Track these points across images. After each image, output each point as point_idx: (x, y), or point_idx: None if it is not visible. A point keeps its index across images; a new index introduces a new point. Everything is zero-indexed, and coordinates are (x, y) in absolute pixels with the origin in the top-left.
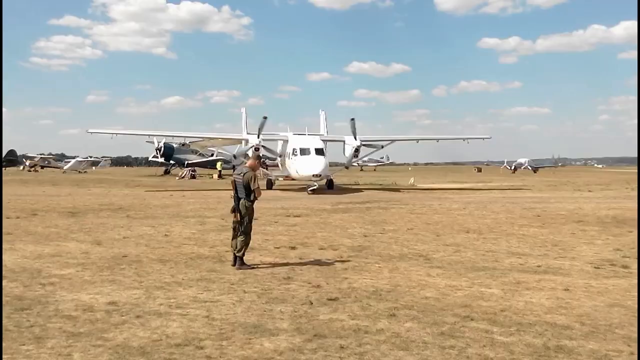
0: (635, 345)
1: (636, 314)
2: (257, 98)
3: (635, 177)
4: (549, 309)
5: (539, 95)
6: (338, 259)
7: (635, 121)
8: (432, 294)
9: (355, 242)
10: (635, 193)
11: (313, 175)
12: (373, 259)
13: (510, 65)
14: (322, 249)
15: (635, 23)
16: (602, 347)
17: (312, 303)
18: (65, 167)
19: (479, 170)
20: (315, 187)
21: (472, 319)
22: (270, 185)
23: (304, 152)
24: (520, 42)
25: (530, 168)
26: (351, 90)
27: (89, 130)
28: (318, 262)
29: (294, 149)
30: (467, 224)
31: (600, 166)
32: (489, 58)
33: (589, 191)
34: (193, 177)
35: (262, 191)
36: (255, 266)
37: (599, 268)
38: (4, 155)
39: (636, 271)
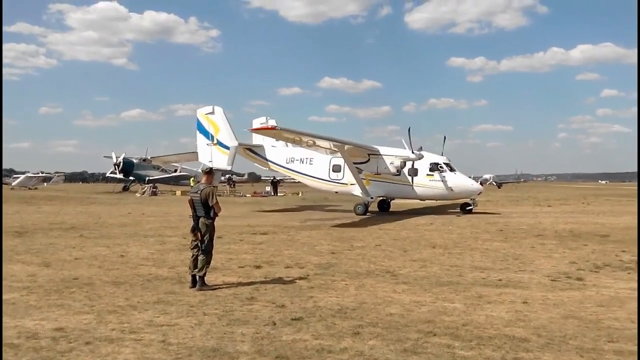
0: (588, 355)
1: (589, 325)
2: (227, 112)
3: (591, 192)
4: (508, 322)
5: (503, 114)
6: (304, 277)
7: (593, 139)
8: (397, 310)
9: (323, 259)
10: (591, 207)
11: (478, 192)
12: (340, 276)
13: (477, 84)
14: (288, 267)
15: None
16: (556, 358)
17: (275, 324)
18: (13, 183)
19: None
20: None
21: (435, 335)
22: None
23: (450, 168)
24: (485, 62)
25: (495, 183)
26: (322, 105)
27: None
28: (283, 281)
29: (437, 165)
30: (433, 239)
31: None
32: (456, 77)
33: (549, 206)
34: (154, 194)
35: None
36: (217, 287)
37: (555, 281)
38: None
39: (590, 283)
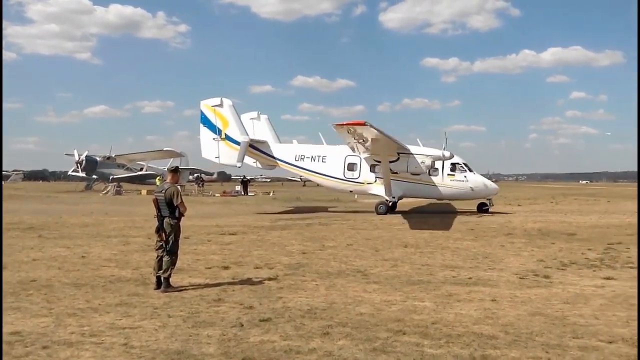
0: (553, 351)
1: (555, 322)
2: (194, 109)
3: (560, 191)
4: (477, 320)
5: (476, 114)
6: (274, 278)
7: (562, 140)
8: (367, 310)
9: (293, 259)
10: (559, 207)
11: (496, 192)
12: (310, 276)
13: (451, 85)
14: (257, 268)
15: (562, 50)
16: (523, 354)
17: (242, 325)
18: None
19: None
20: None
21: (404, 333)
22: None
23: (468, 168)
24: (459, 62)
25: None
26: (295, 104)
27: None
28: (252, 282)
29: (457, 164)
30: (405, 238)
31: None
32: (431, 77)
33: (519, 205)
34: (119, 193)
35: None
36: (183, 288)
37: (523, 278)
38: None
39: (557, 281)
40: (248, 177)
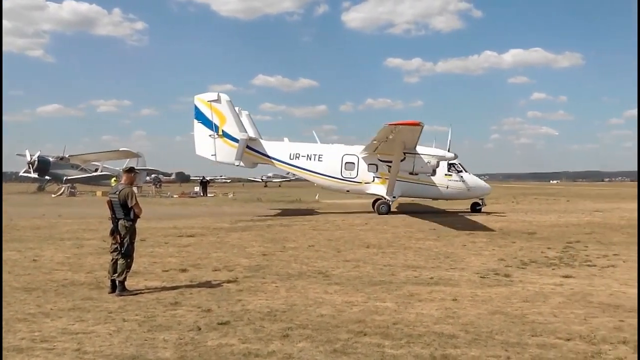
0: (512, 349)
1: (515, 320)
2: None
3: (520, 191)
4: (437, 320)
5: (439, 115)
6: (233, 281)
7: (523, 140)
8: (328, 311)
9: (253, 261)
10: (520, 206)
11: (489, 191)
12: (270, 278)
13: (413, 85)
14: (216, 270)
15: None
16: (482, 353)
17: (200, 328)
18: None
19: None
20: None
21: (365, 334)
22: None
23: (463, 168)
24: (422, 63)
25: None
26: (256, 103)
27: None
28: (210, 285)
29: (456, 165)
30: (368, 239)
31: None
32: (393, 77)
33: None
34: (72, 194)
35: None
36: (139, 292)
37: (484, 277)
38: None
39: (517, 279)
40: (208, 178)
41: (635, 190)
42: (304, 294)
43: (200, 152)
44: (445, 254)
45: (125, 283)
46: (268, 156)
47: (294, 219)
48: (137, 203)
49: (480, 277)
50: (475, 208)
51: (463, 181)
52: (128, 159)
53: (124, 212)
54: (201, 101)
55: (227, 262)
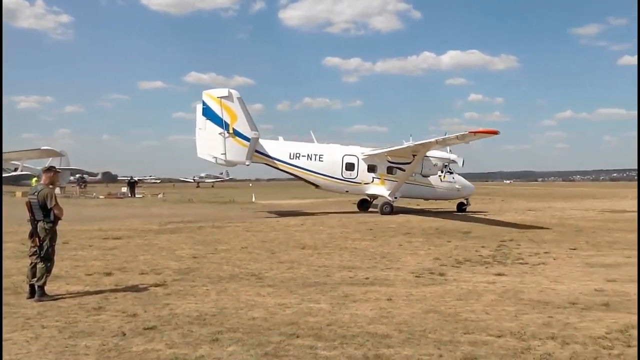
0: (445, 347)
1: (448, 318)
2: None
3: None
4: (372, 320)
5: (378, 115)
6: (161, 284)
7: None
8: (260, 314)
9: (183, 264)
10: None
11: (473, 192)
12: (201, 281)
13: (352, 85)
14: (143, 273)
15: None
16: (416, 352)
17: (124, 334)
18: None
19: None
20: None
21: (298, 336)
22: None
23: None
24: (361, 63)
25: None
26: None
27: None
28: (137, 289)
29: (446, 167)
30: (303, 240)
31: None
32: (332, 76)
33: (417, 205)
34: None
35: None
36: (60, 297)
37: (419, 277)
38: None
39: (451, 278)
40: (136, 178)
41: (565, 189)
42: (235, 297)
43: (211, 152)
44: (382, 254)
45: (45, 288)
46: (269, 156)
47: (225, 221)
48: (57, 204)
49: (416, 276)
50: (461, 208)
51: (454, 182)
52: (50, 158)
53: (44, 213)
54: (210, 97)
55: (155, 265)
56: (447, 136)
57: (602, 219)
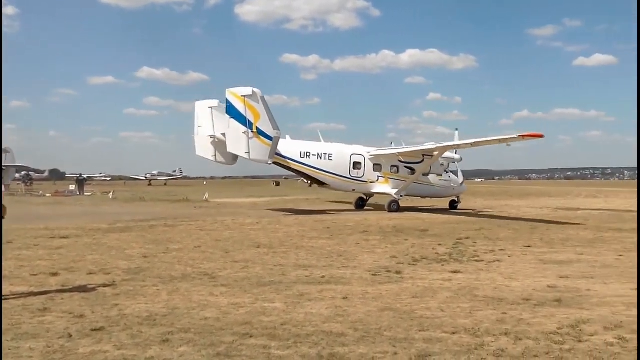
0: (400, 345)
1: (404, 316)
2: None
3: None
4: (327, 318)
5: (336, 113)
6: (110, 284)
7: (418, 140)
8: (213, 314)
9: (133, 264)
10: (414, 204)
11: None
12: (151, 281)
13: (311, 82)
14: (91, 273)
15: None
16: (370, 350)
17: (71, 335)
18: None
19: (277, 184)
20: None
21: (251, 336)
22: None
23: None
24: (319, 60)
25: None
26: (140, 97)
27: None
28: (85, 289)
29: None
30: (258, 238)
31: None
32: (290, 73)
33: (414, 203)
34: None
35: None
36: (3, 298)
37: (376, 275)
38: None
39: (407, 276)
40: (85, 176)
41: (521, 188)
42: (187, 297)
43: (233, 150)
44: (338, 252)
45: None
46: (281, 155)
47: (178, 220)
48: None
49: (372, 274)
50: (453, 205)
51: (450, 181)
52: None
53: None
54: (234, 96)
55: (104, 265)
56: (490, 138)
57: (556, 216)
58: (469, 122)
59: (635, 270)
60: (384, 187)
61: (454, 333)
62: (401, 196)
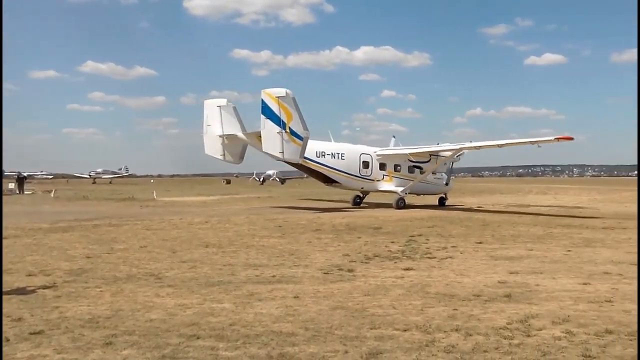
0: (351, 343)
1: (355, 314)
2: None
3: None
4: (277, 318)
5: None
6: (50, 286)
7: (373, 137)
8: (159, 316)
9: (75, 264)
10: (368, 201)
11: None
12: (94, 282)
13: (263, 78)
14: (31, 275)
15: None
16: (321, 349)
17: (8, 340)
18: None
19: (228, 182)
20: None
21: (198, 338)
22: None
23: None
24: (272, 56)
25: (278, 179)
26: (84, 92)
27: None
28: (24, 292)
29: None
30: (207, 238)
31: None
32: (241, 69)
33: (330, 200)
34: None
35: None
36: None
37: (328, 273)
38: None
39: (360, 274)
40: (25, 174)
41: (474, 185)
42: (132, 298)
43: (268, 149)
44: (290, 251)
45: None
46: None
47: (124, 219)
48: None
49: (324, 273)
50: (443, 202)
51: (442, 179)
52: None
53: None
54: (270, 96)
55: (45, 266)
56: (521, 140)
57: (507, 213)
58: (422, 120)
59: (583, 265)
60: (389, 185)
61: (405, 330)
62: (406, 193)
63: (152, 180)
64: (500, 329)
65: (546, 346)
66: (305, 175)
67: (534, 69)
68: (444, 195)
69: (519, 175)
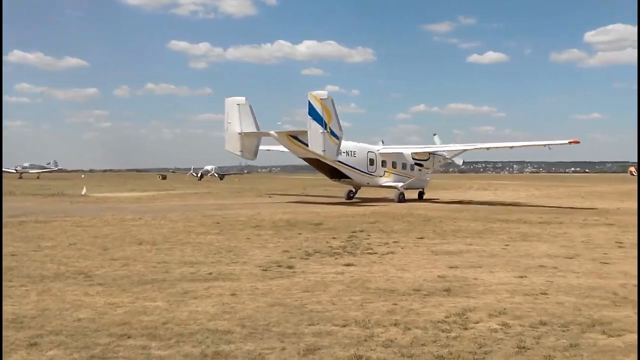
0: (288, 340)
1: (293, 310)
2: None
3: (310, 182)
4: (213, 316)
5: None
6: None
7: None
8: (87, 315)
9: None
10: (308, 198)
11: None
12: (19, 281)
13: (201, 71)
14: None
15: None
16: (258, 346)
17: None
18: None
19: (164, 177)
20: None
21: (130, 337)
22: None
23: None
24: (211, 48)
25: (217, 175)
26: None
27: None
28: None
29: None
30: (141, 235)
31: None
32: (178, 61)
33: (269, 196)
34: None
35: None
36: None
37: (266, 270)
38: None
39: (299, 270)
40: None
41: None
42: (59, 297)
43: (313, 148)
44: (228, 248)
45: None
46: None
47: (52, 215)
48: None
49: (263, 270)
50: (421, 196)
51: (426, 174)
52: None
53: None
54: (315, 99)
55: None
56: (535, 143)
57: (448, 209)
58: (366, 115)
59: (520, 259)
60: (388, 180)
61: (344, 326)
62: (404, 188)
63: (83, 176)
64: (438, 322)
65: (482, 338)
66: (246, 171)
67: (477, 66)
68: (422, 190)
69: (461, 171)
